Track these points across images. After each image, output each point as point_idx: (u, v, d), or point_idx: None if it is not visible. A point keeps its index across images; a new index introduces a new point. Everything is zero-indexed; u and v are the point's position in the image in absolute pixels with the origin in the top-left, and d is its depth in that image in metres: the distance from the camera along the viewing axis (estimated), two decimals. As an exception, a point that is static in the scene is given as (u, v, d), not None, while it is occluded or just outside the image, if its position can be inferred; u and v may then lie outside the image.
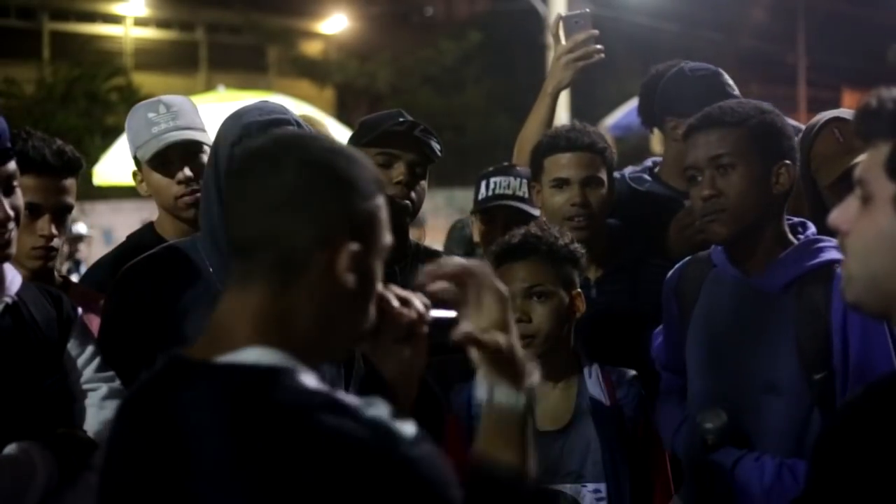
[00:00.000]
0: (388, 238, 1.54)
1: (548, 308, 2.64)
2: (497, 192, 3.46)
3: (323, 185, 1.47)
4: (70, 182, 2.85)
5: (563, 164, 3.03)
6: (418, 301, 1.71)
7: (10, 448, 2.19)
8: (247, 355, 1.43)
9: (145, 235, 3.22)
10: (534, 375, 1.59)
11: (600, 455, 2.63)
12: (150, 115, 3.18)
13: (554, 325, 2.65)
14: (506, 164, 3.54)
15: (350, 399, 1.40)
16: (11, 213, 2.28)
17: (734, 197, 2.50)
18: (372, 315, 1.56)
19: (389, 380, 1.71)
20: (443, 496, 1.38)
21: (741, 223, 2.51)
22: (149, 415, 1.46)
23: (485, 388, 1.57)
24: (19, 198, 2.32)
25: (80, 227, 9.25)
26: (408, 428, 1.39)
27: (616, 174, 3.59)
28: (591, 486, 2.63)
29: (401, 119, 2.91)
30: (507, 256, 2.69)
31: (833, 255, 2.51)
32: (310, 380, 1.42)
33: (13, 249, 2.31)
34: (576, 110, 15.53)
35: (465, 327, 1.56)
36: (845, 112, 3.10)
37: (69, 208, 2.87)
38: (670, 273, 2.79)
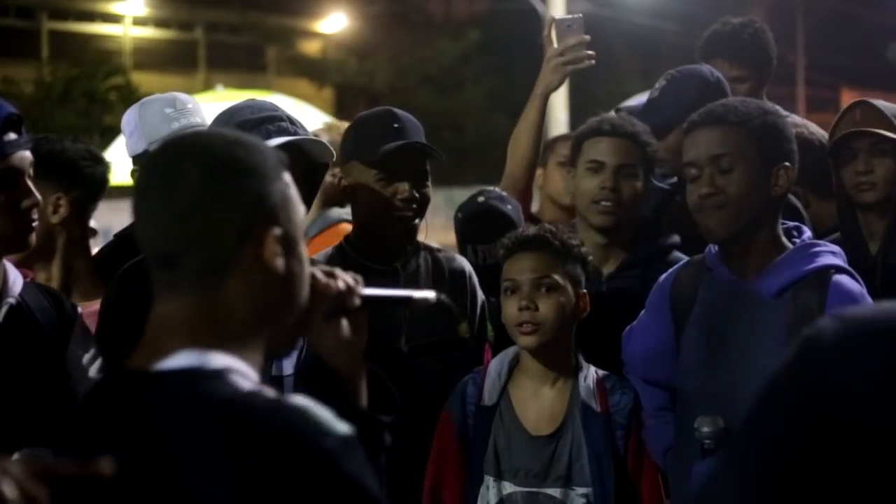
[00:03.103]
0: (301, 212, 1.54)
1: (554, 300, 2.66)
2: (488, 261, 3.22)
3: (229, 180, 1.45)
4: None
5: (601, 148, 3.02)
6: (347, 275, 1.68)
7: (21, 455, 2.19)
8: (178, 360, 1.41)
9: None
10: None
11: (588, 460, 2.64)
12: (168, 110, 3.15)
13: (559, 316, 2.66)
14: (487, 219, 3.29)
15: (277, 396, 1.40)
16: (39, 197, 2.30)
17: (732, 196, 2.50)
18: (306, 293, 1.55)
19: (332, 365, 1.68)
20: (362, 495, 1.37)
21: (738, 222, 2.51)
22: (93, 425, 1.45)
23: None
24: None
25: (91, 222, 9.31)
26: (341, 426, 1.38)
27: None
28: (579, 491, 2.63)
29: (395, 125, 2.84)
30: (518, 247, 2.72)
31: (829, 260, 2.52)
32: (242, 381, 1.40)
33: (34, 238, 2.34)
34: (574, 109, 15.53)
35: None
36: (877, 101, 3.18)
37: None
38: (663, 277, 2.77)
